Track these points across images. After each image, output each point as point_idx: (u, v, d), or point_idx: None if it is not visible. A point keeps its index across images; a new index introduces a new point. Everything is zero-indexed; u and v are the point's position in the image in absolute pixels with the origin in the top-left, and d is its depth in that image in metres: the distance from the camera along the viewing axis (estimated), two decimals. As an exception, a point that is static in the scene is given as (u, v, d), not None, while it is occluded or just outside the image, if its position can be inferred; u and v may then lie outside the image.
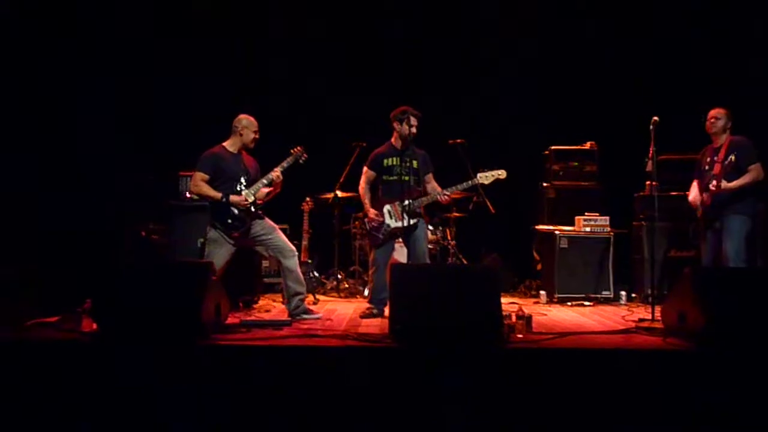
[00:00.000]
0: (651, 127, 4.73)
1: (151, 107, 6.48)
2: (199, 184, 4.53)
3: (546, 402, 3.31)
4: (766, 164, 4.82)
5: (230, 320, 4.28)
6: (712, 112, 4.99)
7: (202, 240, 4.82)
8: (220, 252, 4.53)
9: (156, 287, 3.75)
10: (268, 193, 4.69)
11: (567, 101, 7.16)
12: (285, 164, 4.65)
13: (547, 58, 7.25)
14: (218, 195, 4.50)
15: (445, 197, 4.90)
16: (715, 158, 4.93)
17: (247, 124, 4.65)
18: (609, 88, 7.06)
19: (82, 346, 3.55)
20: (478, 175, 4.86)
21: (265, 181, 4.61)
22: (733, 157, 4.73)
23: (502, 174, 4.86)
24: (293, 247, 4.70)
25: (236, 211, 4.52)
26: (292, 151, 4.69)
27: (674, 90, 6.64)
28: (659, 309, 4.32)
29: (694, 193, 5.09)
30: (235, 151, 4.66)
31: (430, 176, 5.08)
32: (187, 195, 5.63)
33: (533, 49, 7.23)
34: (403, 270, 3.98)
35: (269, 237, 4.67)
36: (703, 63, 6.66)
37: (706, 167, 5.02)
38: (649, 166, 4.74)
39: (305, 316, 4.60)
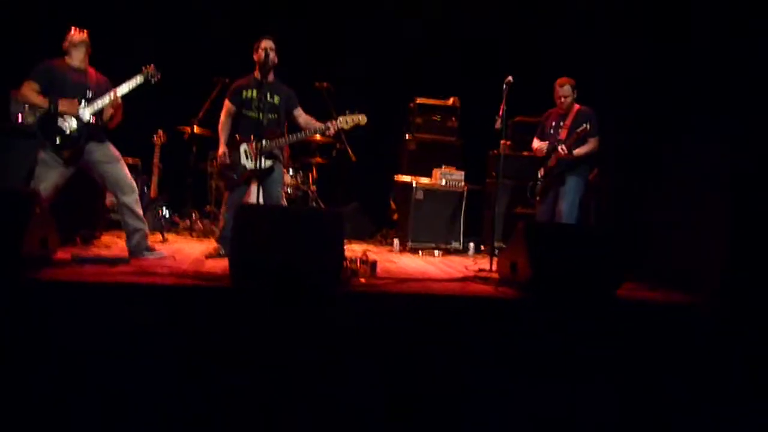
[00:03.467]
0: (504, 86, 4.87)
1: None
2: (27, 92, 4.16)
3: (382, 344, 3.41)
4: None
5: (62, 255, 4.01)
6: (565, 89, 5.19)
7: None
8: (50, 175, 4.20)
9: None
10: (111, 116, 4.34)
11: (436, 55, 7.24)
12: (132, 83, 4.28)
13: (420, 11, 7.26)
14: (45, 102, 4.14)
15: (330, 131, 4.72)
16: (561, 123, 5.24)
17: (70, 36, 4.28)
18: (478, 47, 7.21)
19: None
20: (339, 118, 4.72)
21: (106, 100, 4.25)
22: (588, 126, 4.97)
23: (362, 119, 4.72)
24: (133, 183, 4.43)
25: (66, 128, 4.18)
26: (143, 68, 4.32)
27: (535, 53, 6.90)
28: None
29: (538, 144, 5.42)
30: (77, 65, 4.29)
31: (299, 110, 4.89)
32: (19, 119, 5.13)
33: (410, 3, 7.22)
34: (247, 211, 3.88)
35: (109, 166, 4.35)
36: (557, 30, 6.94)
37: (551, 130, 5.33)
38: (498, 124, 4.92)
39: (147, 253, 4.40)
